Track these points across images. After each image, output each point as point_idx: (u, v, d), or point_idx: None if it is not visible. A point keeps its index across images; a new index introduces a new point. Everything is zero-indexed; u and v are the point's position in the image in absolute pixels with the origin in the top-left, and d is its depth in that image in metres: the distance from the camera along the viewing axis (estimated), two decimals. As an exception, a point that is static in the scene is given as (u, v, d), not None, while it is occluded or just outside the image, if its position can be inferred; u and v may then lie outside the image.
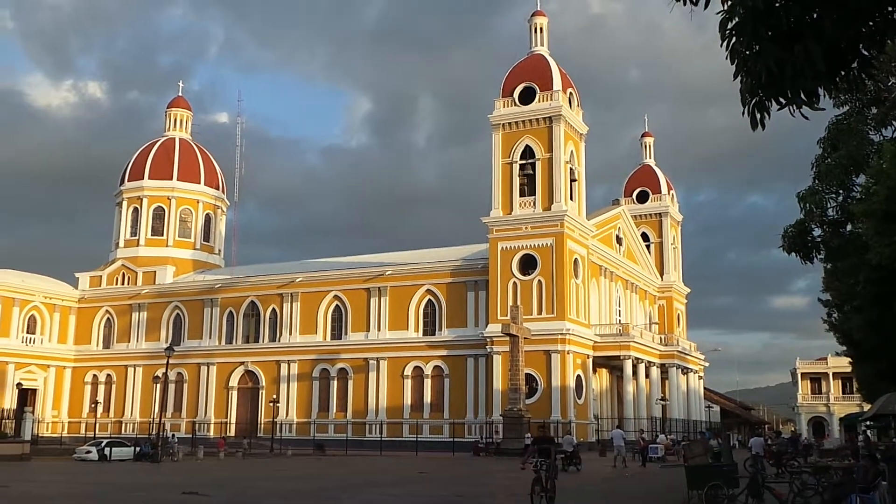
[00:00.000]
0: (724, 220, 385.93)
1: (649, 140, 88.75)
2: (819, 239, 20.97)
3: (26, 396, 73.08)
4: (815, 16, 5.81)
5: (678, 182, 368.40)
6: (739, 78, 6.02)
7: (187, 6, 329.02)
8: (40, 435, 65.26)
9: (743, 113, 6.08)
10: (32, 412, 67.24)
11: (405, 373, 65.98)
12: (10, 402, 69.36)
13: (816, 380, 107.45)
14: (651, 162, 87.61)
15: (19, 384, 71.90)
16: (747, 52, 5.91)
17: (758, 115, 6.07)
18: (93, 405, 75.79)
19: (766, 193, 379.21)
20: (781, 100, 5.99)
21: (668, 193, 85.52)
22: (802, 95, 5.98)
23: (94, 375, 78.84)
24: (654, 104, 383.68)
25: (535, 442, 19.96)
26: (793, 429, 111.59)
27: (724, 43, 5.98)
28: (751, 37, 5.84)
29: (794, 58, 5.74)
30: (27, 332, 76.38)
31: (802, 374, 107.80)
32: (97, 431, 70.19)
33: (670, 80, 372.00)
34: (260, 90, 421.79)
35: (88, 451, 48.34)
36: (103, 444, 49.76)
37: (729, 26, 5.96)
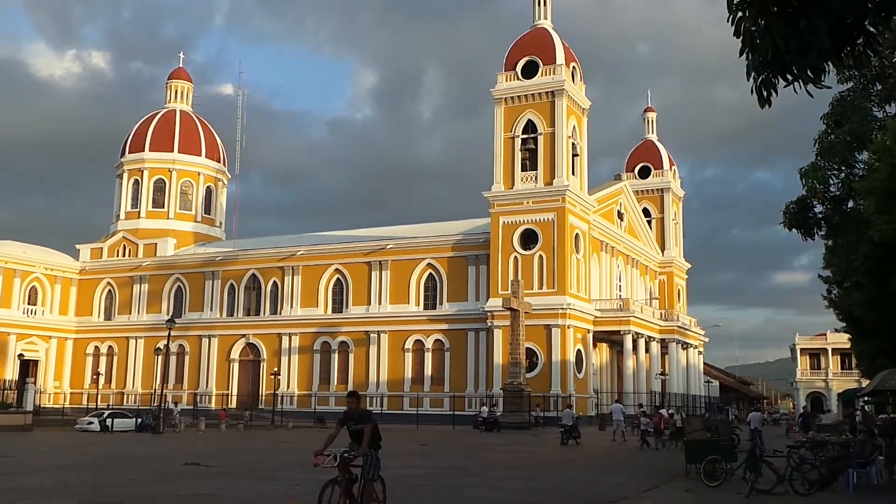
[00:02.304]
0: (729, 196, 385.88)
1: (652, 115, 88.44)
2: (820, 215, 20.96)
3: (28, 367, 73.42)
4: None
5: (685, 157, 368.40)
6: (746, 55, 6.00)
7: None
8: (42, 406, 65.61)
9: (751, 91, 6.07)
10: (34, 383, 67.55)
11: (406, 346, 66.23)
12: (11, 372, 69.68)
13: (816, 355, 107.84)
14: (653, 137, 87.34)
15: (21, 355, 72.15)
16: (753, 28, 5.89)
17: (764, 93, 6.05)
18: (94, 376, 76.23)
19: (773, 169, 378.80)
20: (788, 76, 5.97)
21: (670, 169, 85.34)
22: (808, 72, 5.96)
23: (96, 347, 79.18)
24: (663, 79, 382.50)
25: (344, 419, 11.97)
26: (792, 404, 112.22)
27: (731, 17, 5.95)
28: (757, 11, 5.81)
29: (799, 33, 5.72)
30: (28, 304, 76.63)
31: (802, 349, 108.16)
32: (99, 402, 70.72)
33: (680, 55, 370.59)
34: (265, 62, 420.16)
35: (90, 422, 48.66)
36: (105, 415, 50.09)
37: (736, 0, 5.93)
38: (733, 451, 20.47)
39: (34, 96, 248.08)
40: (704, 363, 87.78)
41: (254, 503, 15.78)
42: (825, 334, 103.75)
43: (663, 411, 40.22)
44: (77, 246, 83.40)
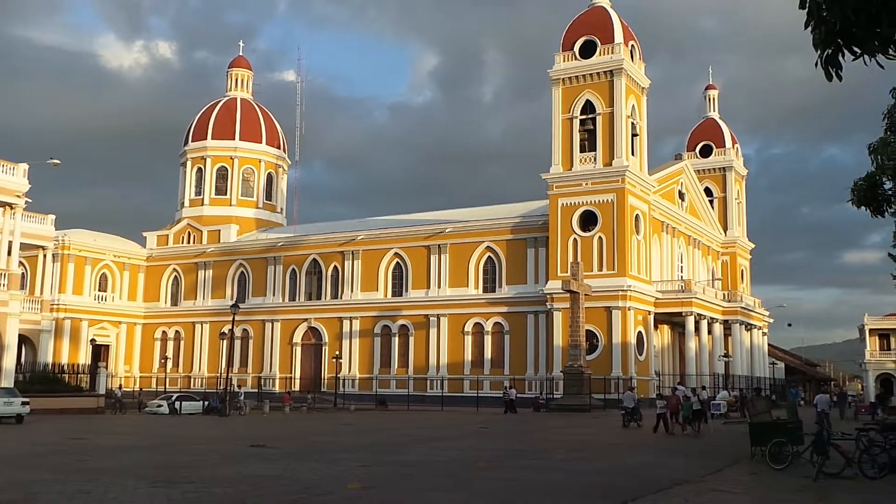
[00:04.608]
0: (799, 173, 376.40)
1: (713, 93, 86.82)
2: (890, 192, 20.33)
3: (100, 352, 75.72)
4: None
5: (754, 134, 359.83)
6: (811, 28, 5.85)
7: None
8: (114, 389, 67.56)
9: (816, 64, 5.92)
10: (106, 367, 69.62)
11: (465, 329, 66.44)
12: (84, 357, 71.88)
13: (885, 336, 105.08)
14: (715, 115, 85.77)
15: (93, 340, 74.49)
16: (820, 0, 5.74)
17: (831, 67, 5.90)
18: (162, 360, 78.27)
19: (845, 145, 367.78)
20: (856, 49, 5.81)
21: (733, 147, 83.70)
22: (877, 43, 5.79)
23: (164, 332, 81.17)
24: (731, 54, 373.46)
25: None
26: (861, 386, 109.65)
27: (796, -10, 5.81)
28: (824, -17, 5.66)
29: (869, 4, 5.56)
30: (99, 290, 78.82)
31: (871, 330, 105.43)
32: (167, 386, 72.61)
33: (747, 29, 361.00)
34: (328, 48, 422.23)
35: (160, 405, 50.06)
36: (174, 399, 51.42)
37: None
38: (800, 433, 20.09)
39: (104, 87, 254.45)
40: (769, 344, 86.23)
41: (318, 484, 16.05)
42: (895, 314, 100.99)
43: (681, 390, 38.51)
44: (144, 234, 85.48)
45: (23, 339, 63.54)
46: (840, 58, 5.88)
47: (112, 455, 21.83)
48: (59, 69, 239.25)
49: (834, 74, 5.91)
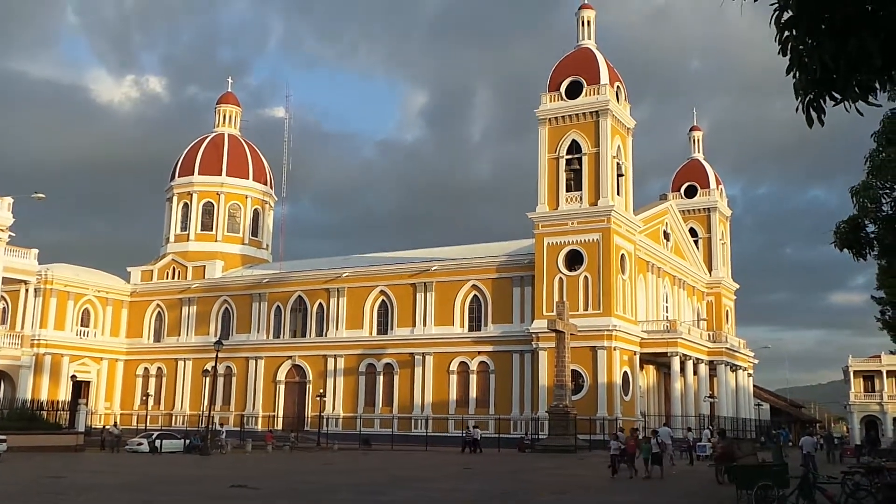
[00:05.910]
0: (784, 213, 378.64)
1: (698, 134, 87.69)
2: (872, 235, 20.50)
3: (80, 388, 74.70)
4: (870, 9, 5.67)
5: (739, 174, 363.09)
6: (793, 73, 5.90)
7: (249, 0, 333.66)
8: (93, 426, 66.67)
9: (796, 109, 5.96)
10: (86, 404, 68.77)
11: (451, 368, 66.07)
12: (64, 393, 70.89)
13: (870, 378, 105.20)
14: (700, 156, 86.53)
15: (73, 376, 73.47)
16: (801, 47, 5.80)
17: (813, 114, 5.94)
18: (144, 397, 77.26)
19: (829, 187, 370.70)
20: (836, 95, 5.86)
21: (717, 188, 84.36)
22: (857, 89, 5.85)
23: (146, 368, 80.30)
24: (718, 96, 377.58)
25: None
26: (847, 428, 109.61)
27: (779, 36, 5.86)
28: (806, 30, 5.72)
29: (848, 52, 5.62)
30: (81, 326, 78.02)
31: (855, 371, 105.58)
32: (148, 423, 71.63)
33: (734, 71, 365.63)
34: (318, 84, 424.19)
35: (140, 444, 49.39)
36: (154, 437, 50.76)
37: (783, 19, 5.84)
38: (785, 476, 19.98)
39: (95, 121, 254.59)
40: (754, 385, 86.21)
41: (299, 526, 15.79)
42: (879, 356, 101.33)
43: (665, 431, 37.62)
44: (128, 268, 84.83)
45: (1, 375, 62.82)
46: (822, 103, 5.93)
47: (89, 495, 21.44)
48: (50, 101, 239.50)
49: (816, 119, 5.95)
